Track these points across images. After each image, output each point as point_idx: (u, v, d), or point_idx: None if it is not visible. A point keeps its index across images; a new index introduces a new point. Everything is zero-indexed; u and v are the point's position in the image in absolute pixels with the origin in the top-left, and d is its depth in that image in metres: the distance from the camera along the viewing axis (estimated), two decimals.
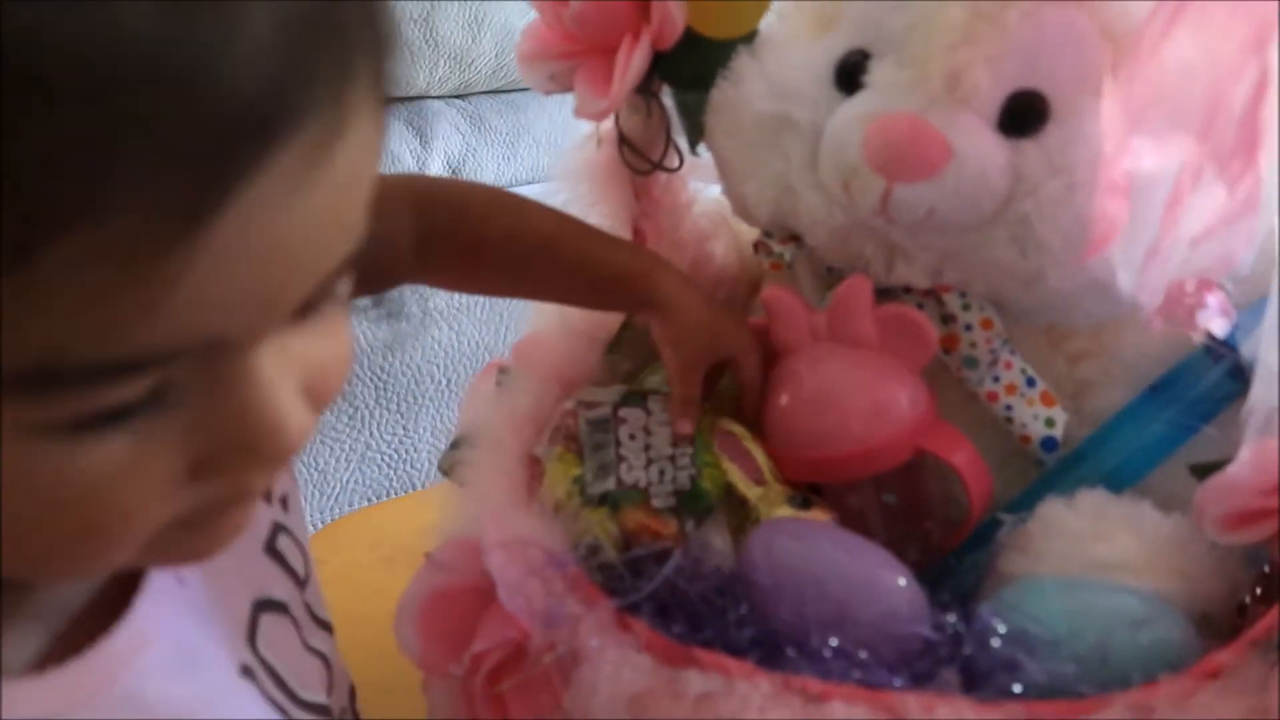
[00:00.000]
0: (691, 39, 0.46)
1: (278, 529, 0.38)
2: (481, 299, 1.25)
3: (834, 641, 0.34)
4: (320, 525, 1.13)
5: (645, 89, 0.49)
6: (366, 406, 1.18)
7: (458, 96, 1.78)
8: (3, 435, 0.22)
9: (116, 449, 0.24)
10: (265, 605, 0.37)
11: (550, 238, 0.51)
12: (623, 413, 0.45)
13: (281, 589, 0.38)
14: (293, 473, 0.42)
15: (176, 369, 0.24)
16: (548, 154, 1.80)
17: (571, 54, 0.47)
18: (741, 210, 0.50)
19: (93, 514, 0.25)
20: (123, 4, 0.19)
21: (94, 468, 0.24)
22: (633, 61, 0.44)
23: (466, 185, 0.57)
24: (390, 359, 1.19)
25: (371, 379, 1.18)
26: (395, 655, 0.55)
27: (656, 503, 0.43)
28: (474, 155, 1.76)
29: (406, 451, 1.21)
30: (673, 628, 0.35)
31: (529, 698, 0.36)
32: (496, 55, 1.74)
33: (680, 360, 0.46)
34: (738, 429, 0.46)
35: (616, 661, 0.35)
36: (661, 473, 0.43)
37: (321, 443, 1.16)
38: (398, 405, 1.20)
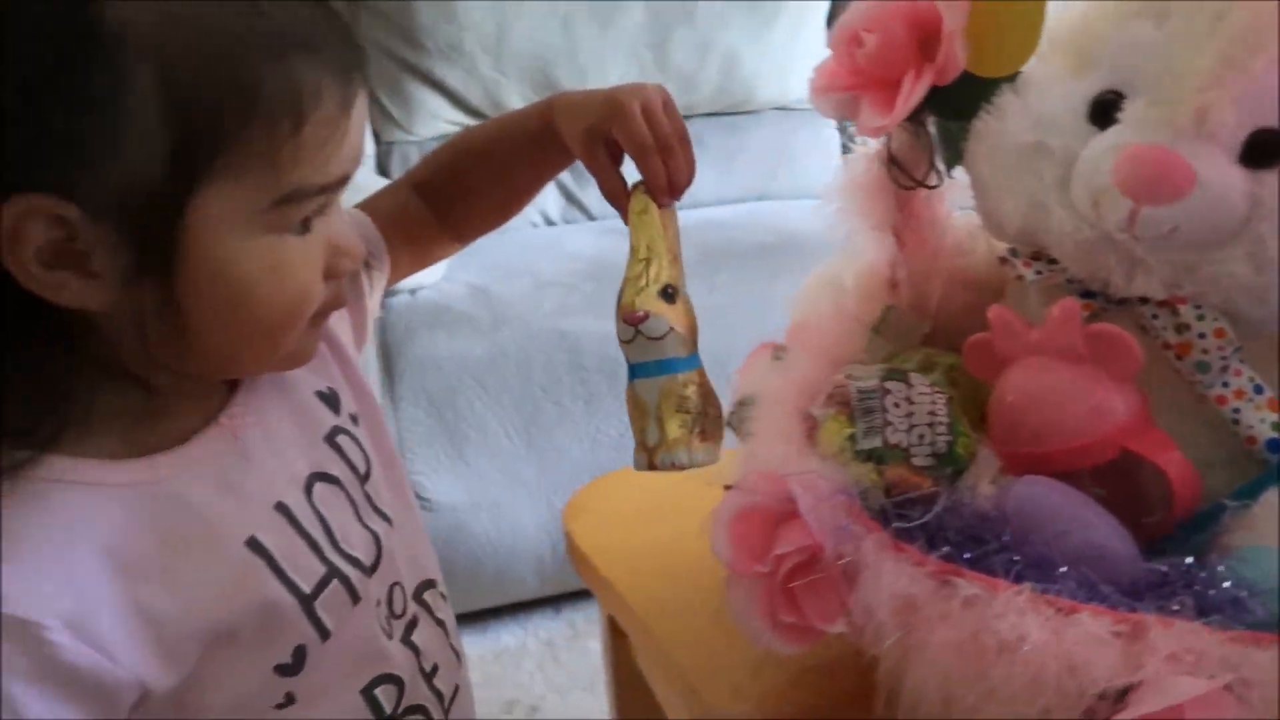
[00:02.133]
0: (964, 76, 0.54)
1: (338, 430, 0.51)
2: (710, 303, 1.35)
3: (1080, 572, 0.42)
4: (555, 493, 1.27)
5: (914, 117, 0.58)
6: (599, 394, 1.31)
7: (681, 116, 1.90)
8: (260, 239, 0.40)
9: (301, 242, 0.42)
10: (321, 476, 0.49)
11: (488, 131, 0.65)
12: (888, 385, 0.54)
13: (338, 470, 0.50)
14: (373, 401, 0.56)
15: (331, 195, 0.42)
16: (761, 173, 1.90)
17: (858, 86, 0.56)
18: (993, 226, 0.59)
19: (299, 277, 0.43)
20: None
21: (302, 253, 0.42)
22: (915, 93, 0.53)
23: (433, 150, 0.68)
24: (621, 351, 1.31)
25: (605, 369, 1.31)
26: (654, 579, 0.67)
27: (916, 461, 0.52)
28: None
29: (629, 438, 1.33)
30: (939, 552, 0.44)
31: (818, 595, 0.45)
32: (720, 79, 1.86)
33: (576, 140, 0.56)
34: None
35: (894, 571, 0.44)
36: (921, 437, 0.52)
37: (559, 424, 1.30)
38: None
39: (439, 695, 0.53)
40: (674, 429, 0.52)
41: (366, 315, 0.60)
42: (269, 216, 0.40)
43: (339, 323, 0.56)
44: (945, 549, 0.44)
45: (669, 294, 0.54)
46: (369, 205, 0.62)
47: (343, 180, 0.43)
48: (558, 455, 1.31)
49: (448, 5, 1.73)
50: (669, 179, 0.55)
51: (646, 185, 0.55)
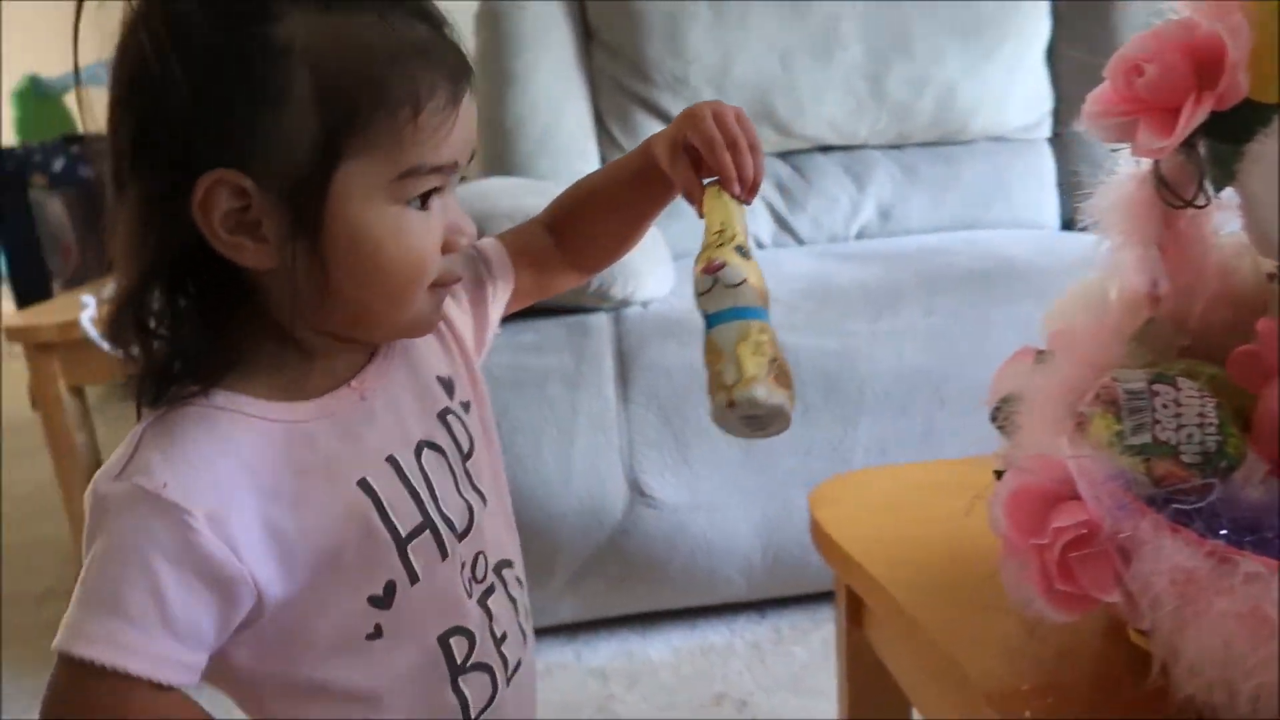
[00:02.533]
0: (1243, 102, 0.58)
1: (449, 411, 0.59)
2: (926, 326, 1.39)
3: None
4: (769, 500, 1.34)
5: (1187, 140, 0.62)
6: (815, 407, 1.37)
7: (894, 147, 1.95)
8: (386, 209, 0.50)
9: (420, 216, 0.51)
10: (430, 445, 0.57)
11: (602, 172, 0.71)
12: (1156, 387, 0.58)
13: (445, 444, 0.58)
14: (484, 396, 0.64)
15: (445, 178, 0.51)
16: (974, 202, 1.91)
17: (1135, 111, 0.60)
18: (1263, 244, 0.61)
19: (418, 246, 0.51)
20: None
21: (414, 222, 0.51)
22: (1194, 118, 0.57)
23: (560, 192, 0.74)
24: (839, 369, 1.37)
25: (822, 382, 1.37)
26: (907, 565, 0.72)
27: (1185, 458, 0.55)
28: (904, 202, 1.92)
29: (843, 450, 1.38)
30: (1216, 536, 0.48)
31: (1093, 567, 0.50)
32: (935, 110, 1.89)
33: (663, 155, 0.61)
34: None
35: (1172, 549, 0.48)
36: (1190, 436, 0.56)
37: None
38: (841, 409, 1.37)
39: (504, 661, 0.60)
40: (751, 366, 0.52)
41: (488, 320, 0.67)
42: (393, 189, 0.50)
43: (463, 325, 0.64)
44: (1223, 533, 0.48)
45: (744, 252, 0.57)
46: (505, 235, 0.70)
47: (453, 164, 0.52)
48: (772, 463, 1.38)
49: (675, 42, 1.85)
50: (738, 172, 0.59)
51: (719, 180, 0.60)
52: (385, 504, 0.53)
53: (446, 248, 0.53)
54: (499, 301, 0.68)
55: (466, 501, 0.58)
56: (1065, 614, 0.52)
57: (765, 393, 0.52)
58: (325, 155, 0.48)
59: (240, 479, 0.49)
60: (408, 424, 0.56)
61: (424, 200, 0.51)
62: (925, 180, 1.90)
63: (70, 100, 3.40)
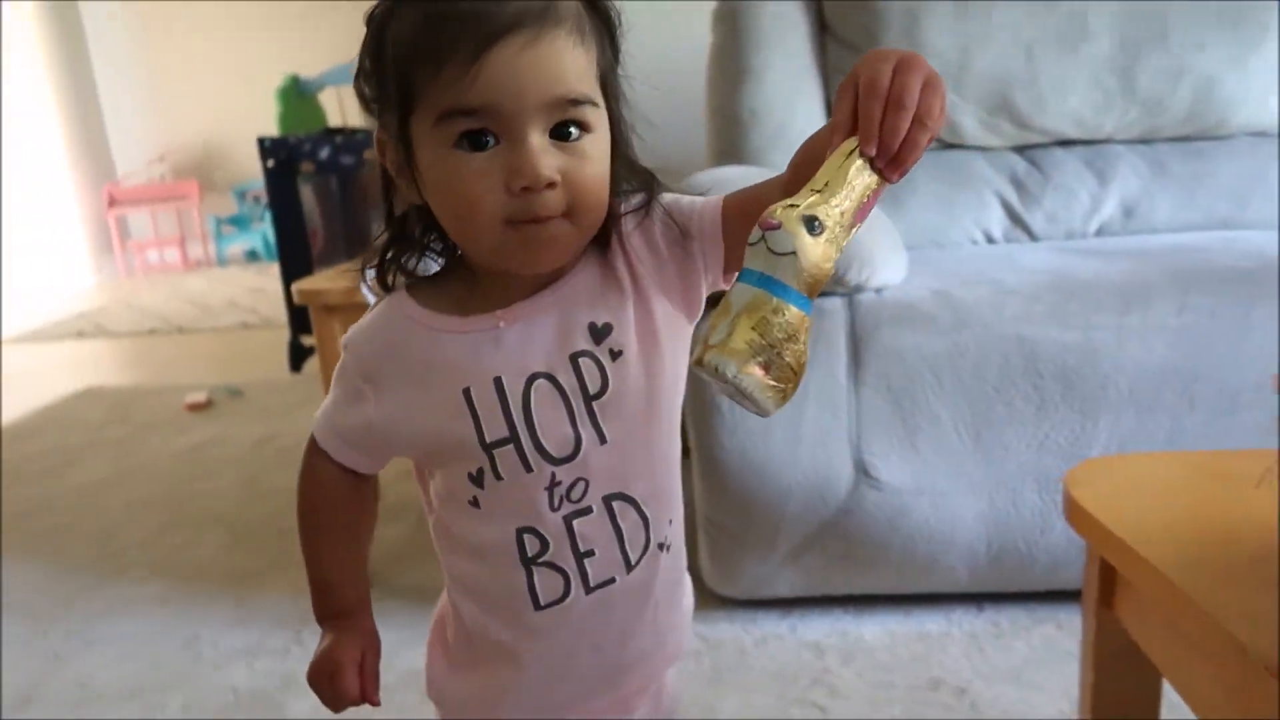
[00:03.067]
0: None
1: (585, 354, 0.65)
2: (1179, 323, 1.34)
3: None
4: (997, 491, 1.33)
5: None
6: (1052, 401, 1.35)
7: (1141, 141, 1.87)
8: (437, 152, 0.60)
9: (477, 160, 0.59)
10: (548, 378, 0.64)
11: (819, 132, 0.63)
12: None
13: (565, 381, 0.64)
14: (659, 353, 0.66)
15: (488, 123, 0.58)
16: (1230, 200, 1.81)
17: None
18: None
19: (465, 183, 0.59)
20: None
21: (468, 166, 0.59)
22: None
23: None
24: (1082, 362, 1.34)
25: (1060, 377, 1.35)
26: (1175, 544, 0.72)
27: None
28: (1150, 198, 1.84)
29: (1080, 446, 1.35)
30: None
31: None
32: (1191, 103, 1.80)
33: (838, 92, 0.55)
34: None
35: None
36: None
37: (1008, 425, 1.36)
38: (1080, 404, 1.35)
39: (583, 573, 0.66)
40: (740, 340, 0.50)
41: (698, 276, 0.66)
42: (436, 133, 0.59)
43: (656, 276, 0.66)
44: None
45: (813, 226, 0.51)
46: (734, 194, 0.67)
47: (483, 107, 0.58)
48: (1004, 454, 1.37)
49: (912, 36, 1.85)
50: (881, 135, 0.52)
51: (859, 131, 0.52)
52: (479, 413, 0.64)
53: (508, 188, 0.59)
54: (711, 258, 0.67)
55: (577, 434, 0.65)
56: None
57: (734, 370, 0.50)
58: (401, 108, 0.60)
59: (388, 357, 0.67)
60: (530, 357, 0.65)
61: (474, 144, 0.59)
62: (1175, 176, 1.82)
63: (323, 97, 3.75)
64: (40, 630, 1.70)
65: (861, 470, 1.39)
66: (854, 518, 1.40)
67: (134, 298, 5.27)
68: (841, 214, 0.52)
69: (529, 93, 0.58)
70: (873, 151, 0.52)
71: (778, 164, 1.88)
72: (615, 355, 0.65)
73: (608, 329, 0.65)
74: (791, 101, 1.91)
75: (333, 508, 0.74)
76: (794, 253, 0.50)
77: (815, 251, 0.50)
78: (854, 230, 0.53)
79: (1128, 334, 1.34)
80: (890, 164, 0.53)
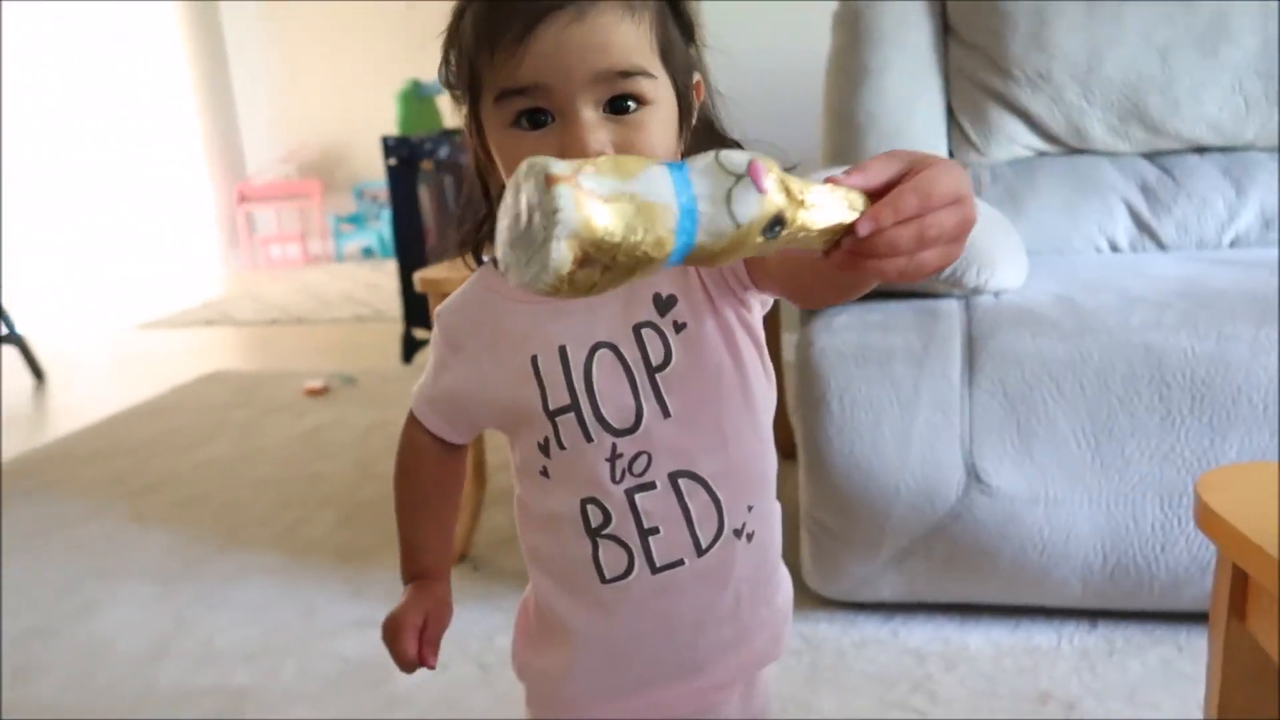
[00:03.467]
0: None
1: (649, 325, 0.65)
2: None
3: None
4: (1117, 504, 1.29)
5: None
6: (1179, 413, 1.30)
7: None
8: (498, 132, 0.63)
9: (533, 137, 0.61)
10: (611, 348, 0.65)
11: None
12: None
13: (629, 352, 0.65)
14: (712, 324, 0.66)
15: (541, 100, 0.60)
16: None
17: None
18: None
19: (520, 159, 0.53)
20: None
21: (519, 142, 0.61)
22: None
23: None
24: (1213, 373, 1.29)
25: (1190, 388, 1.29)
26: None
27: None
28: None
29: (1208, 461, 1.30)
30: None
31: None
32: None
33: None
34: None
35: None
36: None
37: (1131, 436, 1.31)
38: (1210, 418, 1.29)
39: (647, 549, 0.66)
40: (592, 178, 0.41)
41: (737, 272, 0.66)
42: (497, 112, 0.62)
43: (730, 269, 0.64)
44: None
45: (776, 226, 0.43)
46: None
47: (536, 85, 0.59)
48: (1124, 466, 1.32)
49: (1040, 37, 1.81)
50: (884, 231, 0.44)
51: (876, 202, 0.45)
52: (543, 380, 0.66)
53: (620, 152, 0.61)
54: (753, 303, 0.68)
55: (639, 405, 0.65)
56: None
57: (539, 195, 0.41)
58: (470, 93, 0.64)
59: (470, 326, 0.70)
60: (594, 326, 0.66)
61: (535, 122, 0.61)
62: None
63: (441, 101, 3.87)
64: (169, 593, 1.80)
65: (973, 475, 1.36)
66: (963, 523, 1.37)
67: (257, 289, 5.53)
68: (798, 210, 0.43)
69: (575, 67, 0.59)
70: (866, 231, 0.44)
71: None
72: (679, 328, 0.65)
73: (672, 300, 0.65)
74: (909, 104, 1.89)
75: (421, 474, 0.78)
76: (730, 193, 0.42)
77: (756, 217, 0.42)
78: (754, 235, 0.43)
79: (1264, 346, 1.28)
80: (855, 254, 0.45)
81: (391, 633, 0.76)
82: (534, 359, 0.66)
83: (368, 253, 6.51)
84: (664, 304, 0.66)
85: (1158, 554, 1.34)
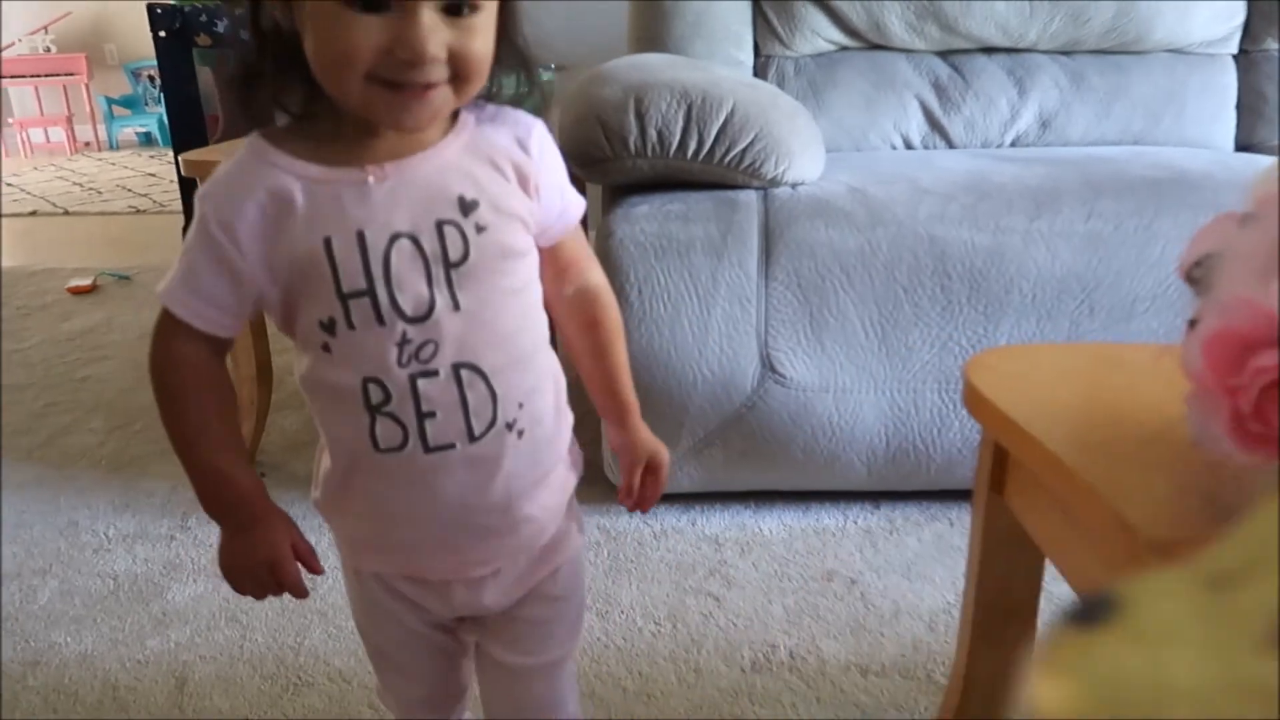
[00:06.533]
0: None
1: (450, 223, 0.65)
2: (1086, 230, 1.35)
3: None
4: (899, 390, 1.34)
5: None
6: (958, 303, 1.36)
7: (1063, 53, 1.87)
8: (324, 3, 0.58)
9: (359, 18, 0.58)
10: (411, 239, 0.65)
11: (607, 368, 0.83)
12: None
13: (428, 245, 0.65)
14: (516, 236, 0.69)
15: None
16: (1144, 117, 1.83)
17: None
18: None
19: (340, 44, 0.59)
20: None
21: (349, 21, 0.58)
22: None
23: (607, 305, 0.81)
24: (990, 264, 1.34)
25: (967, 279, 1.35)
26: (1066, 426, 0.72)
27: None
28: (1067, 110, 1.84)
29: (981, 347, 1.37)
30: None
31: None
32: (1114, 16, 1.80)
33: (624, 451, 0.85)
34: None
35: None
36: None
37: (914, 325, 1.36)
38: (985, 307, 1.36)
39: (422, 430, 0.68)
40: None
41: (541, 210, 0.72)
42: None
43: (547, 188, 0.71)
44: None
45: None
46: (570, 241, 0.77)
47: None
48: (907, 354, 1.37)
49: None
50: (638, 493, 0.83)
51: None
52: (337, 262, 0.65)
53: (390, 54, 0.59)
54: (536, 213, 0.72)
55: (432, 296, 0.66)
56: (1254, 455, 0.52)
57: None
58: None
59: (250, 203, 0.65)
60: (395, 216, 0.65)
61: (370, 5, 0.58)
62: (1092, 90, 1.82)
63: None
64: None
65: (768, 366, 1.38)
66: (758, 413, 1.40)
67: (15, 178, 4.93)
68: None
69: None
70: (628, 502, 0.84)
71: (697, 54, 1.83)
72: (480, 230, 0.67)
73: (475, 204, 0.67)
74: None
75: (206, 388, 0.71)
76: None
77: None
78: None
79: (1035, 238, 1.35)
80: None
81: (264, 565, 0.71)
82: (327, 241, 0.64)
83: (146, 140, 5.94)
84: (468, 205, 0.67)
85: (935, 437, 1.41)
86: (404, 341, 0.66)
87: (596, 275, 0.81)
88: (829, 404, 1.39)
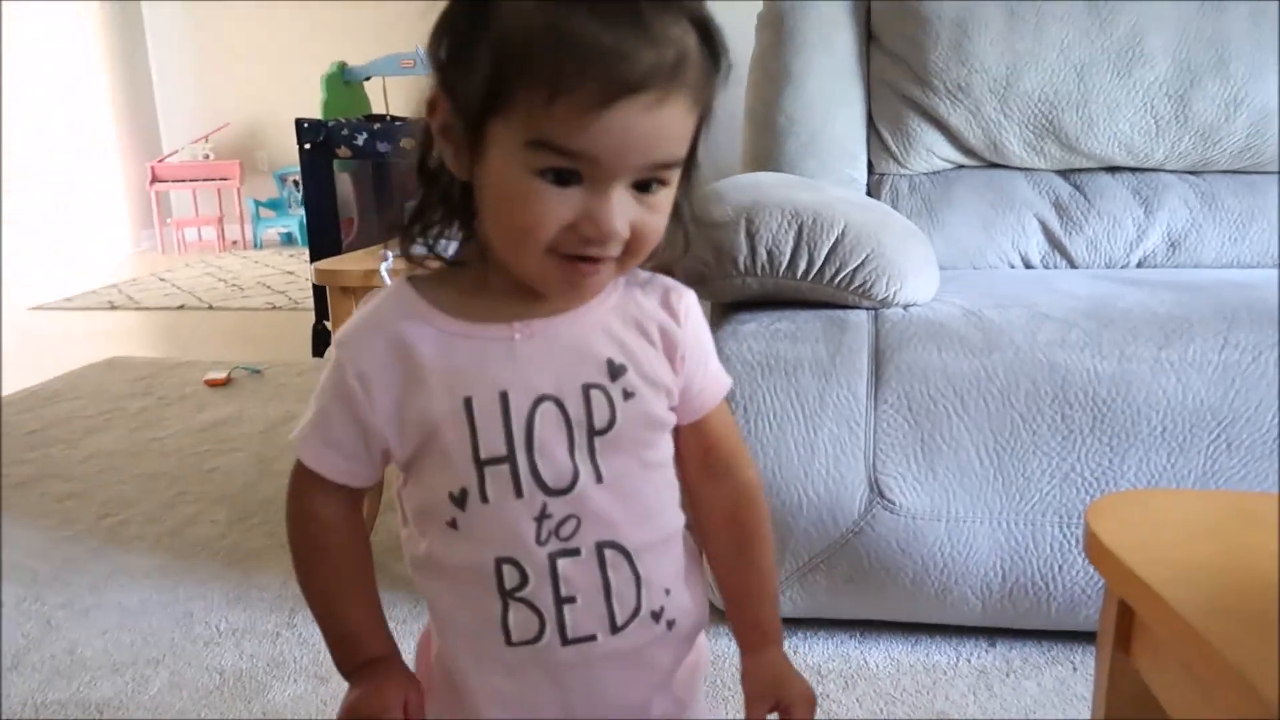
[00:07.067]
0: None
1: (598, 387, 0.62)
2: (1221, 360, 1.28)
3: None
4: (1017, 523, 1.28)
5: None
6: (1080, 432, 1.29)
7: (1192, 172, 1.81)
8: (516, 170, 0.56)
9: (550, 191, 0.56)
10: (556, 402, 0.62)
11: (736, 577, 0.74)
12: None
13: (574, 410, 0.62)
14: (651, 399, 0.65)
15: (581, 166, 0.55)
16: None
17: None
18: None
19: (528, 214, 0.56)
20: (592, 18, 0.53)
21: (539, 193, 0.56)
22: None
23: (759, 509, 0.74)
24: (1114, 393, 1.28)
25: (1089, 408, 1.29)
26: (1193, 586, 0.66)
27: None
28: (1198, 231, 1.78)
29: (1106, 482, 1.29)
30: None
31: None
32: (1248, 135, 1.74)
33: (754, 697, 0.72)
34: None
35: None
36: None
37: (1032, 454, 1.30)
38: (1110, 438, 1.29)
39: (561, 620, 0.63)
40: None
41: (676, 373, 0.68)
42: (525, 155, 0.55)
43: (693, 360, 0.68)
44: None
45: None
46: (717, 419, 0.72)
47: (588, 156, 0.55)
48: (1025, 485, 1.31)
49: (961, 49, 1.80)
50: None
51: None
52: (477, 424, 0.61)
53: (576, 231, 0.57)
54: (679, 385, 0.69)
55: (575, 466, 0.62)
56: None
57: None
58: (483, 104, 0.56)
59: (388, 354, 0.63)
60: (541, 377, 0.62)
61: (562, 179, 0.56)
62: (1226, 210, 1.75)
63: (368, 87, 3.75)
64: (37, 595, 1.69)
65: (876, 490, 1.34)
66: (865, 539, 1.35)
67: (168, 273, 5.32)
68: None
69: (633, 156, 0.56)
70: None
71: (810, 172, 1.85)
72: (628, 396, 0.64)
73: (623, 369, 0.64)
74: (830, 110, 1.87)
75: (340, 547, 0.68)
76: None
77: None
78: None
79: (1164, 367, 1.28)
80: None
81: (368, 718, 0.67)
82: (468, 401, 0.61)
83: (288, 240, 6.33)
84: (615, 369, 0.64)
85: (1055, 574, 1.33)
86: (544, 516, 0.62)
87: (749, 471, 0.74)
88: (941, 533, 1.34)
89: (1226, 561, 0.72)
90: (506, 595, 0.62)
